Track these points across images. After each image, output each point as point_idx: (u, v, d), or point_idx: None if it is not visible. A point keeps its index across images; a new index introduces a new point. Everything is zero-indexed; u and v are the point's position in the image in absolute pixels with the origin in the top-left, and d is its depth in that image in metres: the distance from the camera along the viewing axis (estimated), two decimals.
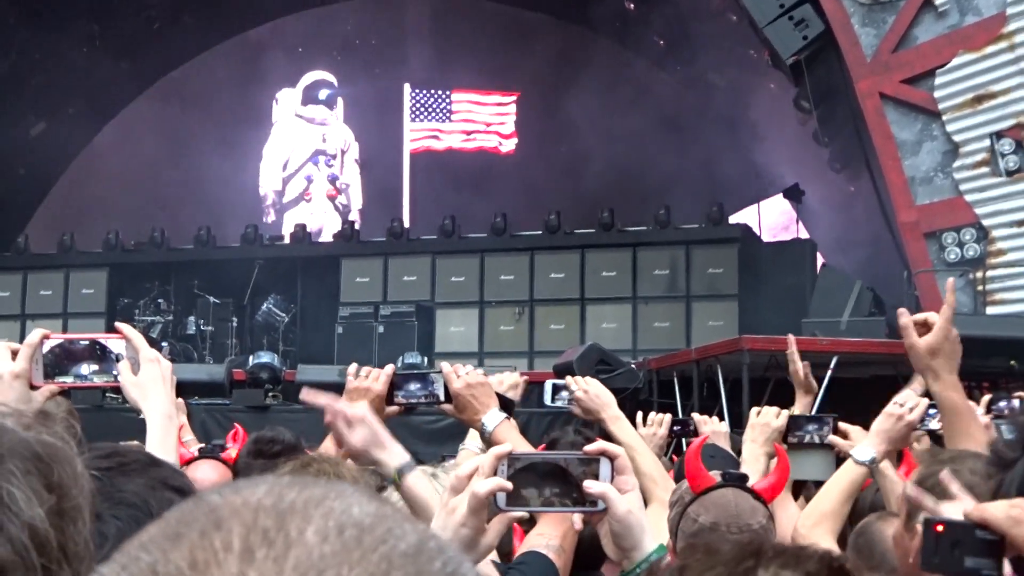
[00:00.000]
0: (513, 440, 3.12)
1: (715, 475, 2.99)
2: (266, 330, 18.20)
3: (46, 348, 2.42)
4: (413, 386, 3.28)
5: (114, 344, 2.47)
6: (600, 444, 1.95)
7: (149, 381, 2.41)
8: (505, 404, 3.34)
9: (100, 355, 2.46)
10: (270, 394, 12.36)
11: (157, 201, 22.13)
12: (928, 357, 2.98)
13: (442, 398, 3.25)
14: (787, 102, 16.27)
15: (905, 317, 3.05)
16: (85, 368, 2.45)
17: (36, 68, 19.44)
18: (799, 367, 4.81)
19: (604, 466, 1.95)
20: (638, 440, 3.97)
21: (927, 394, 3.55)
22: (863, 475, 3.62)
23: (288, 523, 0.74)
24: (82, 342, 2.48)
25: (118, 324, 2.56)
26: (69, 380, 2.45)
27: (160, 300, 18.30)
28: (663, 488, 3.61)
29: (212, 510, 0.76)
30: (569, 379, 4.21)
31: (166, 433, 2.36)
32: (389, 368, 3.29)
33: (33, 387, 2.38)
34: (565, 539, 2.56)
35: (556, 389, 4.35)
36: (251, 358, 13.79)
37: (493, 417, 3.18)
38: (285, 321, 18.19)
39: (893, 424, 3.67)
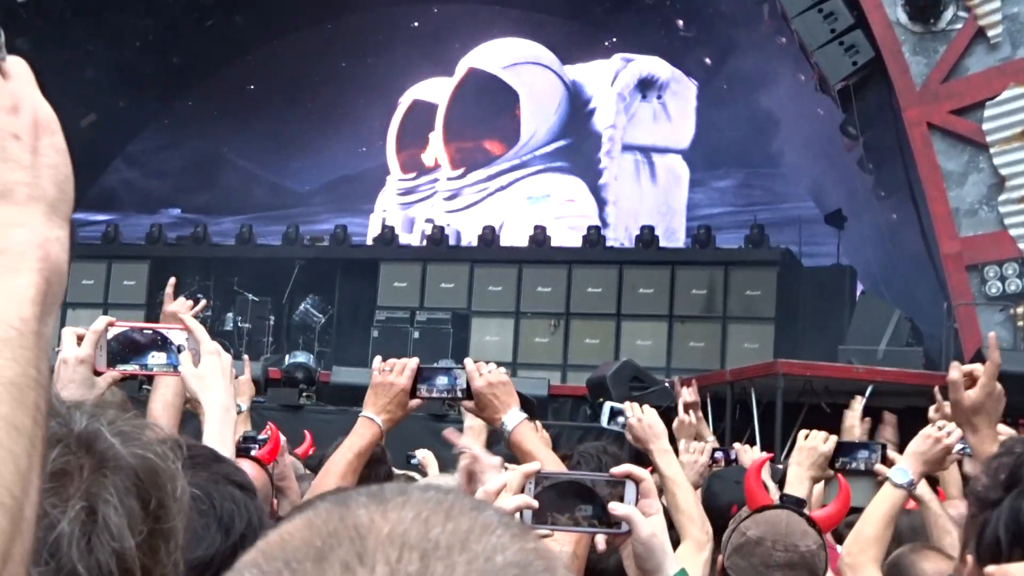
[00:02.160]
0: (531, 441, 3.15)
1: (774, 497, 3.01)
2: (302, 330, 18.31)
3: (110, 335, 2.46)
4: (437, 381, 3.30)
5: (176, 335, 2.51)
6: (626, 467, 1.97)
7: (209, 373, 2.45)
8: (526, 405, 3.36)
9: (162, 345, 2.50)
10: (304, 394, 12.42)
11: (201, 196, 22.35)
12: (971, 413, 3.00)
13: (464, 395, 3.27)
14: (833, 125, 16.22)
15: (956, 372, 3.06)
16: (148, 357, 2.49)
17: (89, 61, 19.66)
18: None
19: (630, 489, 1.97)
20: (682, 476, 3.98)
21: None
22: (903, 498, 3.62)
23: (432, 569, 0.74)
24: (145, 331, 2.52)
25: (181, 315, 2.61)
26: (131, 368, 2.49)
27: (199, 295, 18.43)
28: (699, 527, 3.63)
29: (359, 535, 0.76)
30: (627, 405, 4.25)
31: (224, 425, 2.40)
32: (413, 362, 3.31)
33: (97, 373, 2.43)
34: (579, 546, 2.58)
35: (614, 412, 4.40)
36: (287, 357, 13.87)
37: (513, 417, 3.19)
38: (322, 322, 18.29)
39: (930, 447, 3.68)
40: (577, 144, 22.26)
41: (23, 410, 0.94)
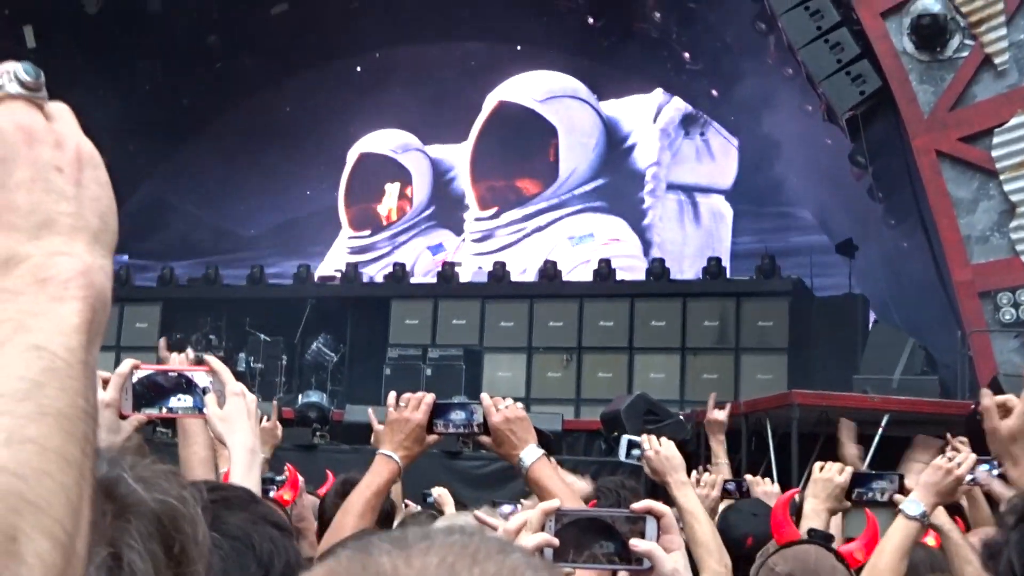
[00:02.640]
0: (550, 477, 3.13)
1: (802, 532, 2.99)
2: (315, 369, 18.31)
3: (135, 379, 2.45)
4: (453, 416, 3.27)
5: (200, 377, 2.50)
6: (647, 502, 1.95)
7: (235, 414, 2.44)
8: (544, 440, 3.33)
9: (187, 387, 2.50)
10: (317, 433, 12.41)
11: (212, 238, 22.45)
12: (1009, 442, 2.96)
13: (481, 430, 3.24)
14: (840, 155, 16.24)
15: (988, 399, 3.02)
16: (173, 400, 2.48)
17: (99, 103, 19.79)
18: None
19: (650, 524, 1.95)
20: (700, 509, 3.96)
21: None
22: (917, 530, 3.59)
23: None
24: (170, 374, 2.52)
25: (206, 357, 2.60)
26: (157, 411, 2.48)
27: (212, 336, 18.48)
28: (717, 560, 3.60)
29: None
30: (644, 437, 4.22)
31: (249, 467, 2.39)
32: (429, 397, 3.28)
33: (122, 416, 2.42)
34: None
35: (631, 445, 4.37)
36: (300, 397, 13.88)
37: (531, 453, 3.16)
38: (334, 361, 18.29)
39: (941, 477, 3.65)
40: (615, 182, 21.82)
41: (73, 441, 0.93)
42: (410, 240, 22.65)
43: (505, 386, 17.24)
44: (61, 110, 1.08)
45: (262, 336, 18.21)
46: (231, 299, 19.30)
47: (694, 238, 21.00)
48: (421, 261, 22.32)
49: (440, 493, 6.25)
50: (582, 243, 21.31)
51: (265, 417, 5.95)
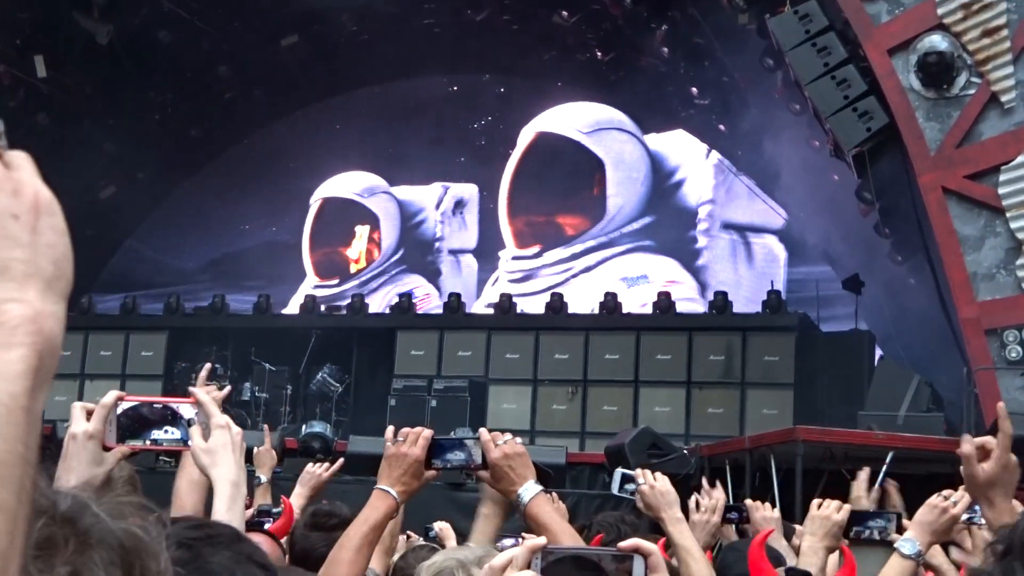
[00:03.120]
0: (548, 514, 3.11)
1: (780, 571, 2.97)
2: (320, 399, 18.31)
3: (120, 410, 2.45)
4: (451, 452, 3.24)
5: (186, 409, 2.50)
6: (634, 541, 1.94)
7: (219, 447, 2.43)
8: (543, 476, 3.32)
9: (172, 419, 2.49)
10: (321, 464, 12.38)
11: (219, 267, 22.50)
12: (986, 487, 2.97)
13: (479, 464, 3.22)
14: (847, 190, 16.26)
15: (968, 445, 3.03)
16: (157, 432, 2.48)
17: (110, 133, 19.91)
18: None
19: (638, 563, 1.94)
20: (695, 545, 3.94)
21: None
22: (912, 569, 3.58)
23: None
24: (155, 405, 2.51)
25: (191, 389, 2.59)
26: (141, 443, 2.48)
27: (217, 365, 18.49)
28: None
29: None
30: (638, 472, 4.19)
31: (233, 500, 2.38)
32: (427, 432, 3.25)
33: (106, 448, 2.41)
34: None
35: (624, 479, 4.34)
36: (304, 427, 13.86)
37: (529, 489, 3.15)
38: (339, 391, 18.29)
39: (937, 516, 3.64)
40: (663, 220, 21.18)
41: (5, 487, 0.94)
42: (380, 287, 22.33)
43: (510, 418, 17.23)
44: (20, 158, 1.10)
45: (267, 366, 18.23)
46: (237, 328, 19.32)
47: (748, 279, 20.32)
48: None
49: (442, 527, 6.23)
50: (637, 285, 20.54)
51: (258, 446, 6.02)
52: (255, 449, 6.03)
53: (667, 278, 20.46)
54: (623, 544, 1.93)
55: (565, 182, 21.60)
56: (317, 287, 22.21)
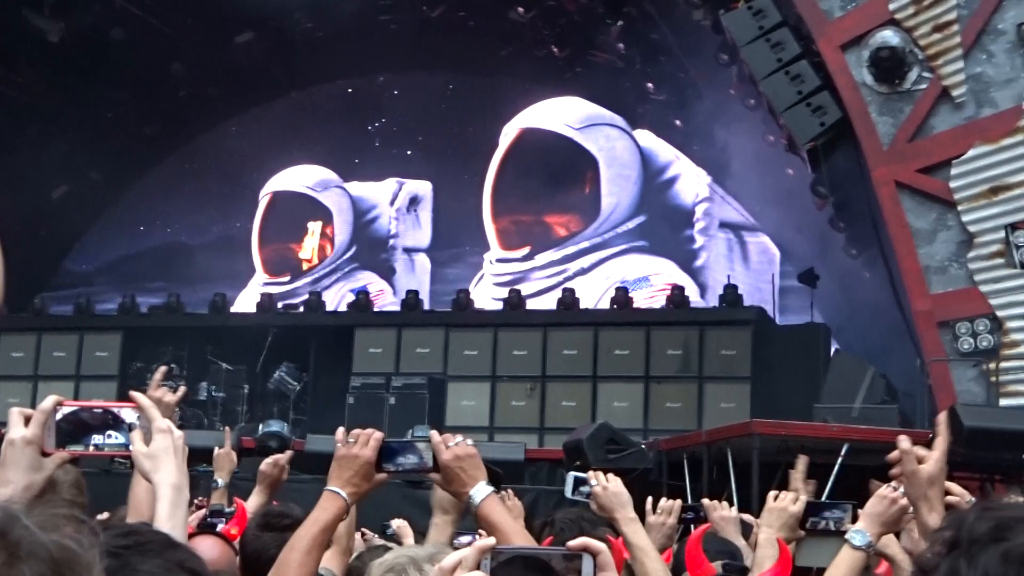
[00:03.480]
0: (499, 514, 3.11)
1: (716, 566, 2.98)
2: (277, 398, 18.21)
3: (59, 415, 2.42)
4: (402, 454, 3.22)
5: (127, 413, 2.47)
6: (583, 540, 1.94)
7: (160, 452, 2.40)
8: (494, 477, 3.32)
9: (113, 424, 2.46)
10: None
11: (175, 266, 22.32)
12: (927, 485, 2.99)
13: (431, 467, 3.21)
14: (802, 185, 16.39)
15: (906, 442, 3.05)
16: (97, 437, 2.45)
17: (63, 133, 19.71)
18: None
19: (587, 562, 1.94)
20: (649, 545, 3.95)
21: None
22: (862, 560, 3.60)
23: None
24: (95, 410, 2.48)
25: (132, 393, 2.56)
26: (81, 448, 2.45)
27: (173, 365, 18.34)
28: None
29: None
30: (591, 474, 4.21)
31: (175, 505, 2.36)
32: (378, 434, 3.22)
33: (45, 454, 2.38)
34: None
35: (578, 482, 4.35)
36: (261, 426, 13.79)
37: (481, 490, 3.14)
38: (297, 390, 18.20)
39: (887, 507, 3.66)
40: (656, 219, 20.75)
41: None
42: (333, 284, 22.08)
43: (469, 415, 17.23)
44: None
45: (224, 365, 18.12)
46: (193, 328, 19.18)
47: (744, 279, 19.51)
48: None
49: (400, 525, 6.23)
50: (638, 288, 19.80)
51: (218, 445, 5.97)
52: (215, 451, 5.99)
53: (667, 280, 19.82)
54: (572, 543, 1.93)
55: (554, 180, 21.01)
56: (267, 284, 21.98)
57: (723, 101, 17.42)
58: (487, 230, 21.67)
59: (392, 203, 22.51)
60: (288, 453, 5.59)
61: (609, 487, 4.07)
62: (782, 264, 19.99)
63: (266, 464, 5.36)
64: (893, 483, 3.68)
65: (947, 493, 3.73)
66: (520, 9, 20.05)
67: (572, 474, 4.44)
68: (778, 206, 18.71)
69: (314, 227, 22.65)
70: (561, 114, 21.41)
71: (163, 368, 3.43)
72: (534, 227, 21.45)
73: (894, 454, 3.04)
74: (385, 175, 22.41)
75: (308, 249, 22.69)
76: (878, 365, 13.46)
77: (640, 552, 3.74)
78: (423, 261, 22.28)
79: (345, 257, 22.54)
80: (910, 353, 13.26)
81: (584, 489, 4.24)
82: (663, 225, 20.82)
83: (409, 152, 22.20)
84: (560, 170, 21.08)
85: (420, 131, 22.27)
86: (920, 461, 3.02)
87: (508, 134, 21.54)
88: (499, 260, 21.37)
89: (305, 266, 22.62)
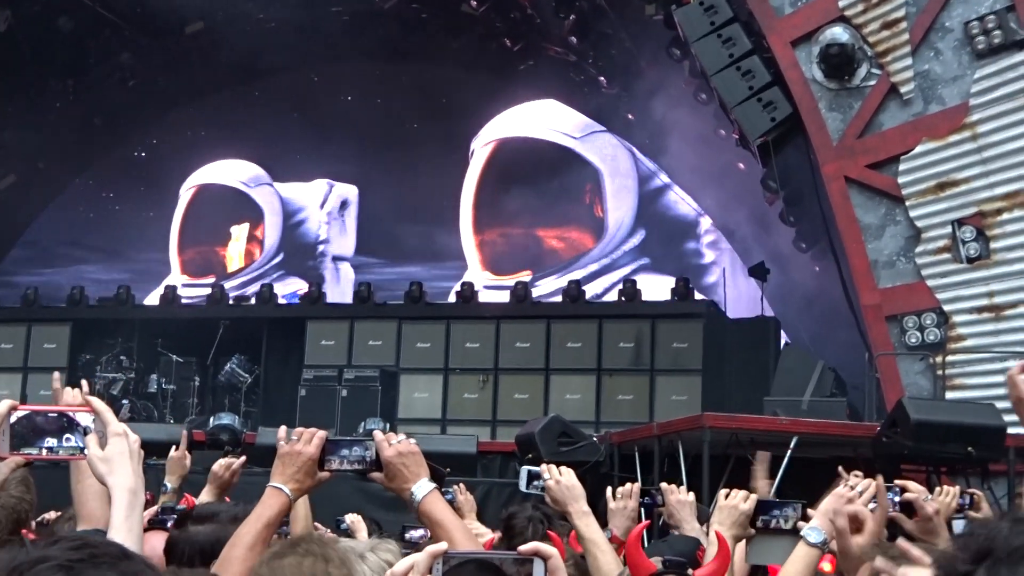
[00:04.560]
0: (441, 511, 3.15)
1: (656, 561, 3.01)
2: (229, 390, 18.10)
3: (13, 419, 2.41)
4: (345, 452, 3.25)
5: (82, 417, 2.46)
6: (533, 544, 1.96)
7: (116, 455, 2.40)
8: (436, 474, 3.34)
9: (68, 427, 2.45)
10: (230, 456, 12.25)
11: (123, 258, 22.11)
12: (857, 562, 3.02)
13: (374, 465, 3.24)
14: (754, 180, 16.52)
15: (842, 520, 3.08)
16: (52, 440, 2.44)
17: (8, 122, 19.46)
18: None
19: (538, 566, 1.96)
20: (602, 538, 3.99)
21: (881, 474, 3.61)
22: (817, 557, 3.64)
23: None
24: (50, 414, 2.47)
25: (87, 397, 2.55)
26: (35, 452, 2.44)
27: (122, 357, 18.18)
28: None
29: None
30: (544, 467, 4.24)
31: (131, 508, 2.35)
32: (322, 432, 3.27)
33: None
34: None
35: (532, 476, 4.37)
36: (212, 419, 13.70)
37: (423, 487, 3.18)
38: (248, 382, 18.10)
39: (842, 505, 3.70)
40: (655, 233, 19.78)
41: None
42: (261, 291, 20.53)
43: (421, 407, 17.23)
44: None
45: (174, 357, 17.98)
46: (143, 319, 19.02)
47: (746, 288, 18.27)
48: None
49: (353, 519, 6.22)
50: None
51: (174, 447, 5.89)
52: (171, 452, 5.89)
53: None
54: (523, 548, 1.95)
55: (550, 194, 19.95)
56: (186, 286, 21.28)
57: (674, 95, 17.50)
58: (468, 252, 20.86)
59: (322, 206, 22.06)
60: (242, 458, 5.55)
61: (562, 480, 4.10)
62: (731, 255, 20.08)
63: (218, 466, 5.33)
64: (851, 481, 3.72)
65: (904, 491, 3.80)
66: (473, 2, 20.03)
67: (525, 468, 4.47)
68: (727, 200, 18.84)
69: (239, 232, 22.00)
70: (547, 121, 20.58)
71: (56, 374, 3.40)
72: (526, 241, 20.48)
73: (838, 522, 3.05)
74: (314, 176, 22.01)
75: (235, 251, 22.15)
76: (827, 358, 13.59)
77: (592, 545, 3.78)
78: (347, 271, 21.76)
79: (272, 264, 22.07)
80: (859, 346, 13.41)
81: (538, 483, 4.27)
82: (662, 239, 19.90)
83: (342, 151, 21.35)
84: (560, 184, 19.99)
85: (359, 127, 21.77)
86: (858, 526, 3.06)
87: (485, 140, 20.75)
88: (488, 287, 19.79)
89: (231, 267, 22.17)
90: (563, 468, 4.19)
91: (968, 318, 12.27)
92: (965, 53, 12.47)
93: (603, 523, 4.52)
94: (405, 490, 3.20)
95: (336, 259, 21.96)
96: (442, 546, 1.92)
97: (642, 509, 5.23)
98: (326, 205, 22.09)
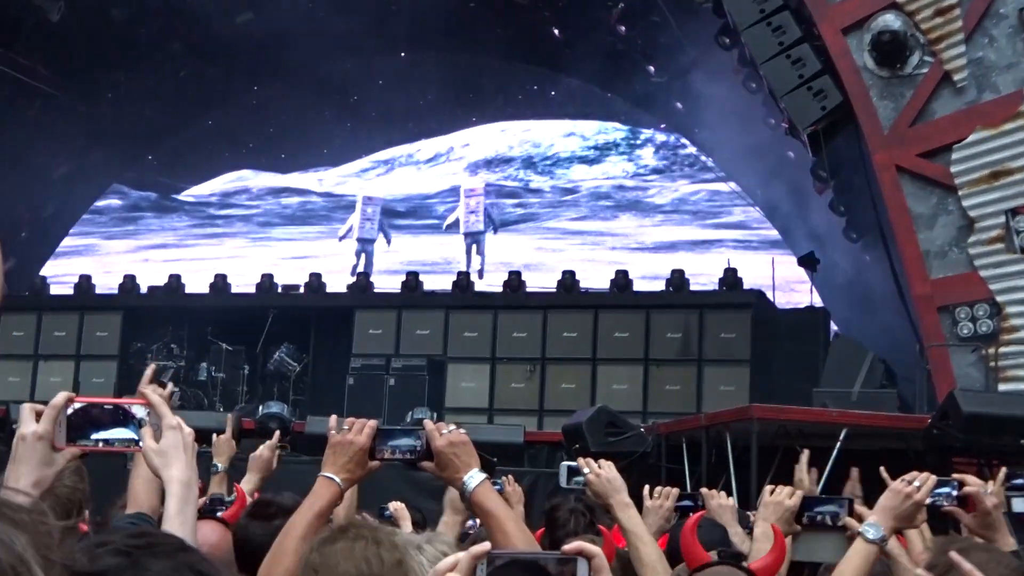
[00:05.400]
0: (493, 501, 3.14)
1: (713, 554, 2.99)
2: (277, 379, 18.22)
3: (70, 411, 2.44)
4: (396, 442, 3.27)
5: (137, 409, 2.50)
6: (577, 544, 1.94)
7: (170, 448, 2.43)
8: (487, 464, 3.34)
9: (123, 420, 2.49)
10: (279, 445, 12.33)
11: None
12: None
13: (424, 455, 3.25)
14: (803, 169, 16.38)
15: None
16: (107, 432, 2.47)
17: (61, 112, 19.68)
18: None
19: (581, 566, 1.95)
20: (643, 530, 3.97)
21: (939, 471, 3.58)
22: (875, 554, 3.59)
23: None
24: (106, 406, 2.50)
25: (143, 390, 2.59)
26: (91, 444, 2.47)
27: (173, 345, 18.37)
28: None
29: None
30: (582, 461, 4.22)
31: (185, 501, 2.39)
32: (373, 422, 3.28)
33: (56, 449, 2.40)
34: None
35: (572, 472, 4.36)
36: (260, 407, 13.81)
37: (474, 477, 3.18)
38: (297, 371, 18.22)
39: (900, 501, 3.64)
40: None
41: None
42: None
43: (468, 396, 17.25)
44: None
45: (224, 345, 18.13)
46: (193, 308, 19.17)
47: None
48: None
49: (397, 507, 6.23)
50: None
51: (218, 433, 5.97)
52: (214, 437, 5.99)
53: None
54: (567, 547, 1.94)
55: None
56: None
57: (723, 84, 17.37)
58: None
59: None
60: (275, 436, 5.63)
61: (603, 473, 4.09)
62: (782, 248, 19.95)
63: (261, 448, 5.42)
64: (908, 476, 3.67)
65: (962, 484, 3.74)
66: None
67: (565, 464, 4.45)
68: (777, 188, 18.71)
69: None
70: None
71: (153, 366, 3.44)
72: None
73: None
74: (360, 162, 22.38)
75: None
76: (878, 349, 13.47)
77: (634, 537, 3.76)
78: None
79: None
80: (910, 338, 13.27)
81: (579, 479, 4.25)
82: None
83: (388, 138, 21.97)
84: None
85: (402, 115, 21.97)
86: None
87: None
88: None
89: None
90: (603, 461, 4.18)
91: (1021, 309, 12.10)
92: (1020, 40, 12.28)
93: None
94: (456, 480, 3.20)
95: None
96: (484, 547, 1.91)
97: (679, 512, 5.21)
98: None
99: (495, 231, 21.83)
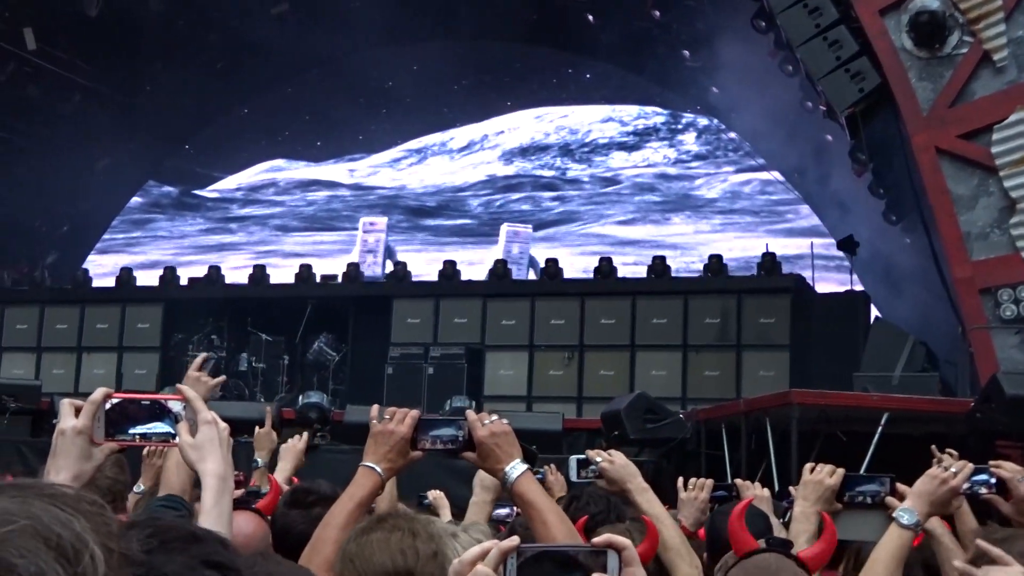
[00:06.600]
0: (534, 492, 3.14)
1: (761, 542, 2.97)
2: (317, 369, 18.31)
3: (108, 406, 2.49)
4: (437, 431, 3.27)
5: (173, 405, 2.54)
6: (607, 536, 1.94)
7: (206, 443, 2.47)
8: (529, 454, 3.34)
9: (160, 415, 2.53)
10: (318, 434, 12.42)
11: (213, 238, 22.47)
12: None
13: (466, 445, 3.25)
14: (843, 151, 16.25)
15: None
16: (145, 427, 2.52)
17: (100, 105, 19.83)
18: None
19: (612, 558, 1.94)
20: (664, 513, 3.95)
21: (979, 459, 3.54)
22: (910, 539, 3.56)
23: None
24: (143, 402, 2.55)
25: (179, 386, 2.63)
26: (128, 438, 2.52)
27: (213, 336, 18.50)
28: (688, 563, 3.59)
29: None
30: (591, 452, 4.20)
31: (220, 494, 2.42)
32: (414, 412, 3.29)
33: (94, 444, 2.44)
34: None
35: (581, 464, 4.33)
36: (300, 397, 13.89)
37: (516, 468, 3.17)
38: (336, 360, 18.30)
39: (935, 487, 3.60)
40: None
41: None
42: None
43: (507, 384, 17.26)
44: None
45: (264, 336, 18.23)
46: (233, 299, 19.28)
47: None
48: None
49: (436, 496, 6.26)
50: None
51: (259, 425, 6.01)
52: (256, 430, 6.02)
53: None
54: (596, 540, 1.93)
55: None
56: None
57: (760, 67, 17.26)
58: None
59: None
60: (305, 435, 5.68)
61: (615, 460, 4.07)
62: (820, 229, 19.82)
63: (292, 440, 5.51)
64: (944, 462, 3.63)
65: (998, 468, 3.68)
66: None
67: (574, 458, 4.41)
68: (815, 171, 18.58)
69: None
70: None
71: (204, 355, 3.50)
72: None
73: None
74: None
75: None
76: (919, 333, 13.36)
77: (655, 520, 3.75)
78: None
79: None
80: (951, 321, 13.15)
81: (592, 468, 4.21)
82: None
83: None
84: None
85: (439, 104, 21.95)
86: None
87: None
88: None
89: None
90: (611, 451, 4.17)
91: None
92: None
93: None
94: (498, 470, 3.19)
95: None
96: (513, 541, 1.90)
97: (713, 504, 5.18)
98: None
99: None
